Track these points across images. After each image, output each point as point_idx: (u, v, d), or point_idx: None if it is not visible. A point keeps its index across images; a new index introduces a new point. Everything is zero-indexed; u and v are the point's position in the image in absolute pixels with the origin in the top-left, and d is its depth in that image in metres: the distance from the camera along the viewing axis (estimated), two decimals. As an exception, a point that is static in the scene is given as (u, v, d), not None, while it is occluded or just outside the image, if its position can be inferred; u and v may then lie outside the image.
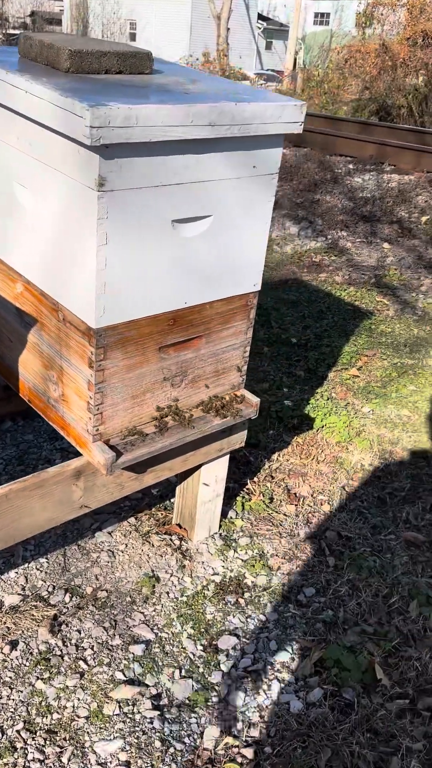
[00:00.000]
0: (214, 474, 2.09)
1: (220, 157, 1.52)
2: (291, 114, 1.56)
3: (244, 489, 2.45)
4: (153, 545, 2.13)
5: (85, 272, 1.47)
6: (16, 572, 1.98)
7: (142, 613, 1.90)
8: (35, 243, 1.62)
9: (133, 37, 31.24)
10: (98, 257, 1.42)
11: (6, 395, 2.31)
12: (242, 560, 2.13)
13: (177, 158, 1.45)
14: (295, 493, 2.47)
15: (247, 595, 2.01)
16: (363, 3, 16.20)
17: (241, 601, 1.98)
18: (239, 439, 2.05)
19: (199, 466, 2.04)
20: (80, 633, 1.82)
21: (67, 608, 1.89)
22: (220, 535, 2.22)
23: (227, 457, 2.09)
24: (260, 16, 35.03)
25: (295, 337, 3.55)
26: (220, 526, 2.25)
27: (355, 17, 17.00)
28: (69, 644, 1.78)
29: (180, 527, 2.21)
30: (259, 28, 35.01)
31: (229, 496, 2.39)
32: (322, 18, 32.38)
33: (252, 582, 2.06)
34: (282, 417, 2.87)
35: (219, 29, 20.78)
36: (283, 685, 1.75)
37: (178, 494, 2.18)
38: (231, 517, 2.31)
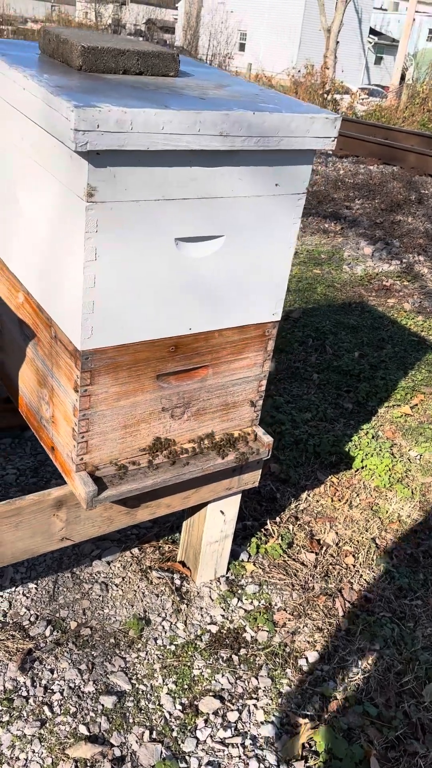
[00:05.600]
0: (223, 513, 1.92)
1: (235, 172, 1.36)
2: (321, 128, 1.38)
3: (263, 529, 2.26)
4: (151, 582, 1.98)
5: (73, 289, 1.34)
6: (1, 596, 1.87)
7: (124, 658, 1.75)
8: (32, 252, 1.50)
9: (242, 47, 31.42)
10: (86, 274, 1.29)
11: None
12: (245, 610, 1.95)
13: (183, 170, 1.29)
14: (318, 540, 2.26)
15: (243, 651, 1.82)
16: None
17: (235, 658, 1.80)
18: (252, 479, 1.87)
19: (206, 503, 1.87)
20: (53, 673, 1.68)
21: (46, 642, 1.76)
22: (227, 578, 2.04)
23: (238, 496, 1.92)
24: (372, 31, 34.51)
25: (349, 365, 3.32)
26: (229, 569, 2.07)
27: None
28: (38, 685, 1.65)
29: (183, 565, 2.04)
30: (370, 43, 34.49)
31: (245, 536, 2.21)
32: (435, 34, 31.56)
33: (251, 637, 1.87)
34: (319, 452, 2.66)
35: (328, 42, 20.45)
36: (262, 766, 1.55)
37: (184, 530, 2.02)
38: (242, 560, 2.12)
